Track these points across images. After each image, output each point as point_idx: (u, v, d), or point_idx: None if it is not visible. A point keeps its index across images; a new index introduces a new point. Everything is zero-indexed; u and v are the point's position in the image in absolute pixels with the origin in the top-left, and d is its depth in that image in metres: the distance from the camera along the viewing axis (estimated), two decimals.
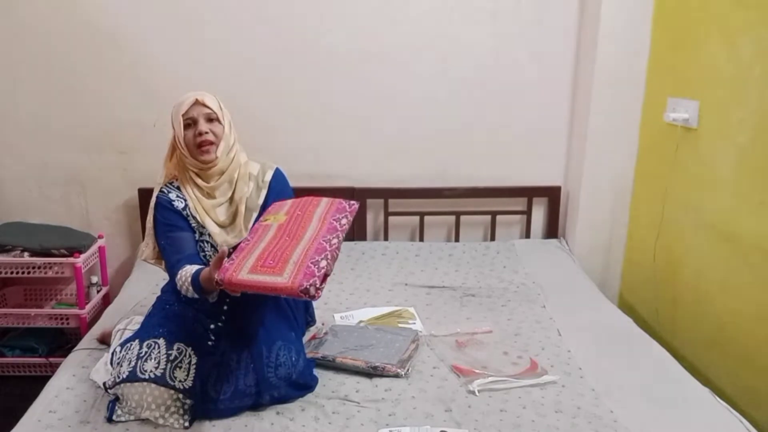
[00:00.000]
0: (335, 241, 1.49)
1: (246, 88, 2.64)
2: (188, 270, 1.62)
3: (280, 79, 2.68)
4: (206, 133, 1.71)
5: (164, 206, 1.77)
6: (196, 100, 1.72)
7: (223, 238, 1.76)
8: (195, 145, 1.72)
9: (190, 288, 1.59)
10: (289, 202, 1.70)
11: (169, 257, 1.72)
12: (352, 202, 1.68)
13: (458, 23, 2.66)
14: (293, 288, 1.34)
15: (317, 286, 1.36)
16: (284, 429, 1.53)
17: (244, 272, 1.39)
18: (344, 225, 1.58)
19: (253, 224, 1.78)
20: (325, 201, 1.68)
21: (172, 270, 1.68)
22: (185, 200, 1.78)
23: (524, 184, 2.83)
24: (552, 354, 1.90)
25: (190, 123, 1.72)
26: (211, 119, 1.73)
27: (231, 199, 1.80)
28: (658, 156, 2.44)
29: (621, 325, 2.13)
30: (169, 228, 1.75)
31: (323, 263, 1.40)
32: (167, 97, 2.58)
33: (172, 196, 1.79)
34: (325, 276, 1.40)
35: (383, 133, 2.77)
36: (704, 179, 2.16)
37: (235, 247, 1.75)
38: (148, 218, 1.81)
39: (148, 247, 1.82)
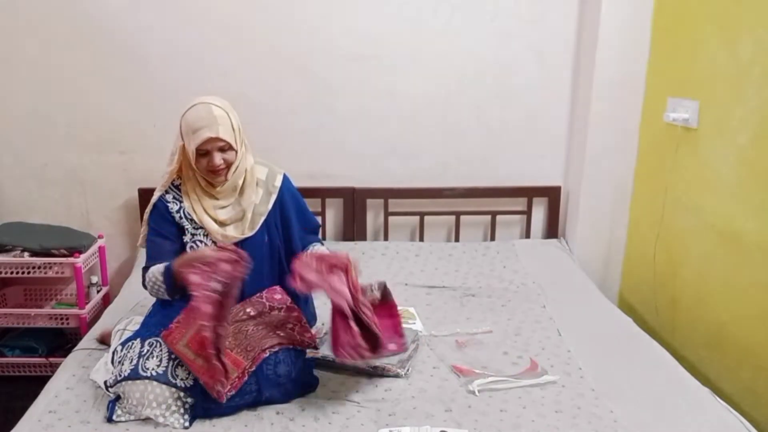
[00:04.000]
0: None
1: (246, 88, 2.64)
2: (157, 267, 1.71)
3: (280, 79, 2.68)
4: (220, 164, 1.71)
5: (158, 210, 1.80)
6: (210, 137, 1.67)
7: (222, 233, 1.78)
8: (206, 170, 1.73)
9: (160, 278, 1.68)
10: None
11: (146, 260, 1.80)
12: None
13: (458, 23, 2.66)
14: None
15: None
16: (284, 429, 1.53)
17: (181, 343, 1.56)
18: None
19: (259, 228, 1.81)
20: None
21: (142, 272, 1.78)
22: (181, 201, 1.79)
23: (524, 184, 2.82)
24: (552, 354, 1.90)
25: (203, 153, 1.71)
26: (224, 150, 1.72)
27: (237, 202, 1.81)
28: (658, 156, 2.44)
29: (621, 325, 2.13)
30: (155, 233, 1.80)
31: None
32: (167, 97, 2.62)
33: (169, 197, 1.80)
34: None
35: (383, 133, 2.77)
36: (704, 179, 2.16)
37: (237, 244, 1.78)
38: (146, 210, 1.84)
39: (142, 234, 1.88)
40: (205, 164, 1.71)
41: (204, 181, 1.79)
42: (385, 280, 1.78)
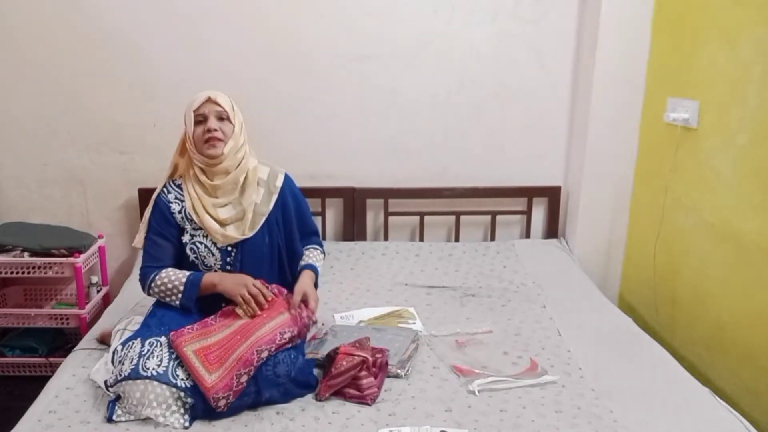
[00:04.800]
0: (265, 354, 1.60)
1: (246, 88, 2.63)
2: (174, 274, 1.76)
3: (280, 79, 2.68)
4: (215, 130, 1.74)
5: (160, 210, 1.82)
6: (209, 98, 1.76)
7: (222, 233, 1.78)
8: (203, 140, 1.75)
9: (179, 287, 1.73)
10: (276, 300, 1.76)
11: (144, 258, 1.82)
12: (308, 317, 1.75)
13: (458, 23, 2.66)
14: (209, 393, 1.52)
15: (228, 400, 1.54)
16: (284, 429, 1.53)
17: (189, 348, 1.59)
18: (285, 337, 1.66)
19: (260, 228, 1.81)
20: (286, 315, 1.72)
21: (141, 271, 1.81)
22: (182, 201, 1.80)
23: (524, 184, 2.83)
24: (552, 354, 1.90)
25: (200, 120, 1.76)
26: (221, 118, 1.77)
27: (238, 202, 1.81)
28: (658, 156, 2.44)
29: (621, 325, 2.13)
30: (156, 233, 1.81)
31: (244, 378, 1.56)
32: (167, 97, 2.62)
33: (171, 197, 1.82)
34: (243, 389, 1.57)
35: (383, 133, 2.77)
36: (704, 179, 2.16)
37: (237, 245, 1.80)
38: (146, 209, 1.85)
39: (140, 235, 1.88)
40: (201, 132, 1.74)
41: (202, 173, 1.79)
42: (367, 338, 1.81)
